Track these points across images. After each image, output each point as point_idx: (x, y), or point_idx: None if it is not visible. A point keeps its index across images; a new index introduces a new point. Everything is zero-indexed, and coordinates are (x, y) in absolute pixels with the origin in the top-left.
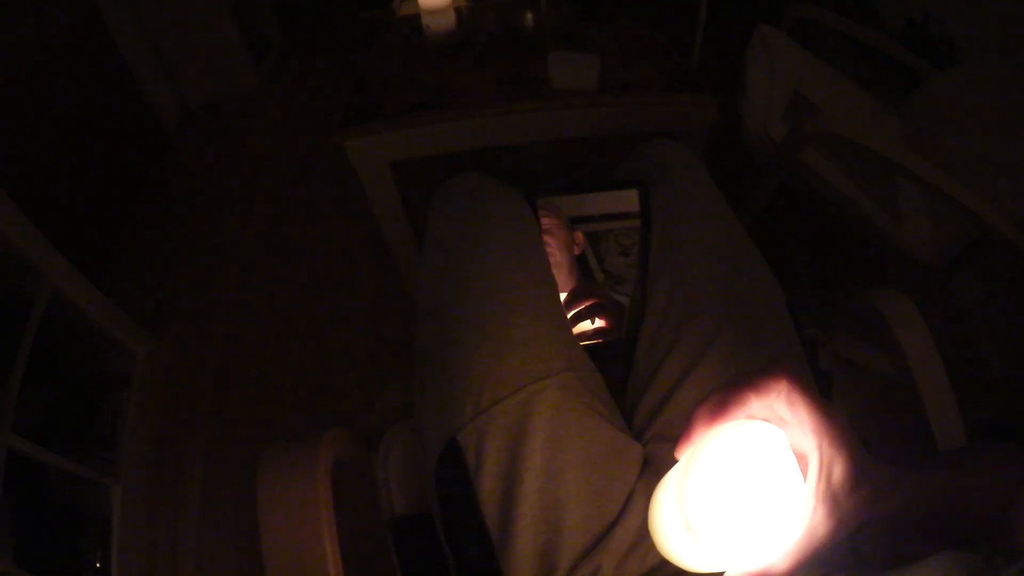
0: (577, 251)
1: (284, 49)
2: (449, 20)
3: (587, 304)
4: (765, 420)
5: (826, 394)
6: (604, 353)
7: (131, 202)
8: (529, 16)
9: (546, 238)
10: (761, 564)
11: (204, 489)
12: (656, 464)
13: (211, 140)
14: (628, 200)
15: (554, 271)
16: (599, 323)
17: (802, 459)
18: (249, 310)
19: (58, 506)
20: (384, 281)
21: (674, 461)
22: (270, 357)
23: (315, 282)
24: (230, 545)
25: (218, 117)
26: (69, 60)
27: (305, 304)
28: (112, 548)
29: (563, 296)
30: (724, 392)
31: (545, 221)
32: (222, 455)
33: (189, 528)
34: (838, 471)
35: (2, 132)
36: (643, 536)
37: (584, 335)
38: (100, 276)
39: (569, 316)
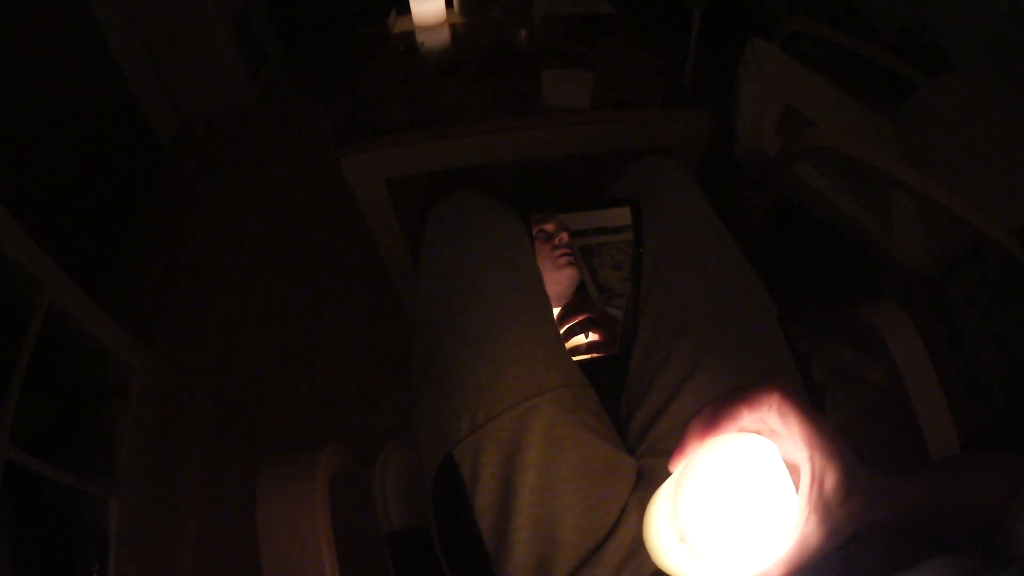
0: None
1: (281, 63)
2: (443, 37)
3: (580, 319)
4: (757, 433)
5: (819, 406)
6: (597, 367)
7: (128, 214)
8: (523, 33)
9: (566, 248)
10: (755, 574)
11: (201, 501)
12: (649, 477)
13: (208, 153)
14: (621, 215)
15: (568, 282)
16: (592, 337)
17: (794, 470)
18: (246, 322)
19: (55, 518)
20: (380, 294)
21: (667, 474)
22: (267, 370)
23: (312, 295)
24: (228, 558)
25: (215, 130)
26: (67, 72)
27: (302, 317)
28: (109, 561)
29: (556, 311)
30: (716, 406)
31: (563, 235)
32: (219, 467)
33: (186, 541)
34: (830, 481)
35: (1, 146)
36: (637, 548)
37: (577, 350)
38: (98, 288)
39: (562, 331)
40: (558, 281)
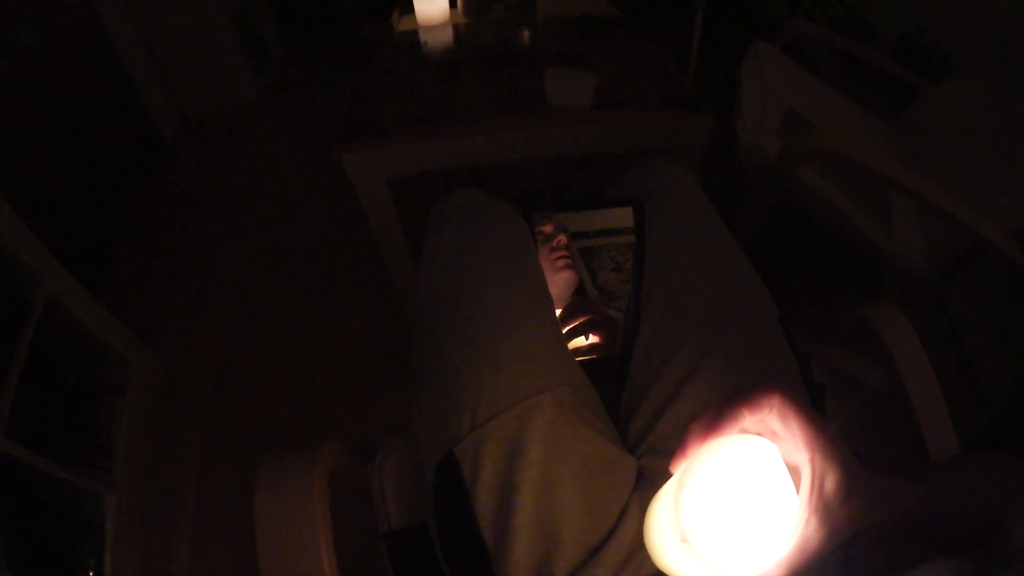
0: None
1: (283, 61)
2: (447, 36)
3: (581, 320)
4: (758, 434)
5: (819, 407)
6: (598, 368)
7: (129, 211)
8: (526, 33)
9: (564, 250)
10: (755, 575)
11: (198, 498)
12: (650, 478)
13: (209, 150)
14: (622, 216)
15: (564, 285)
16: (593, 339)
17: (795, 472)
18: (245, 319)
19: (52, 513)
20: (381, 292)
21: (668, 475)
22: (266, 366)
23: (311, 292)
24: (225, 555)
25: (217, 128)
26: (70, 68)
27: (301, 314)
28: (105, 556)
29: (557, 313)
30: (718, 408)
31: (562, 237)
32: (217, 464)
33: (183, 537)
34: (830, 483)
35: (3, 139)
36: (638, 548)
37: (578, 351)
38: (97, 284)
39: (563, 333)
40: (555, 284)
